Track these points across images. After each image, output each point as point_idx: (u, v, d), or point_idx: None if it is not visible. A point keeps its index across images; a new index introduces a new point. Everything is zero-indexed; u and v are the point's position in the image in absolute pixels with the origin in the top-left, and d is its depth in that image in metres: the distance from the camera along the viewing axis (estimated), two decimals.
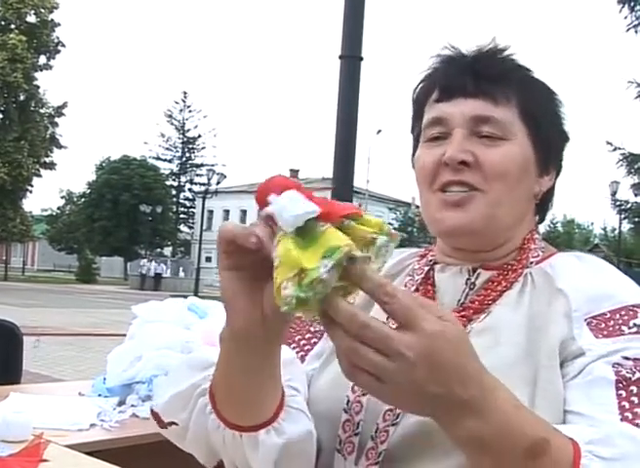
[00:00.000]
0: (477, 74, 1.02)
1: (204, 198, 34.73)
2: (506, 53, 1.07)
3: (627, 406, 0.86)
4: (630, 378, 0.88)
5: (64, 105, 39.54)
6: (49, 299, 23.22)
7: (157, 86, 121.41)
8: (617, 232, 33.48)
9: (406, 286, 1.10)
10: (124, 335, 2.70)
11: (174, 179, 58.09)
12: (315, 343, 1.10)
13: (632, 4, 18.63)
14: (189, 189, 57.94)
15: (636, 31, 18.69)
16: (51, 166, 39.26)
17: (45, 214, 58.45)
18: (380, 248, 0.73)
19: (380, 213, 47.04)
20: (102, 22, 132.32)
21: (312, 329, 1.11)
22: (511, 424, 0.74)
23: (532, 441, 0.75)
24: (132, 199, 47.29)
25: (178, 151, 58.26)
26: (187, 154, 58.48)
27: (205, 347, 1.05)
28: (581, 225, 62.94)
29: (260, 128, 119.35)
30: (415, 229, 41.49)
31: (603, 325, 0.93)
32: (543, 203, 1.11)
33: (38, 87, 38.09)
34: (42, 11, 37.29)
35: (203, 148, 58.40)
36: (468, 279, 1.05)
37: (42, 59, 38.11)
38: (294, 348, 1.09)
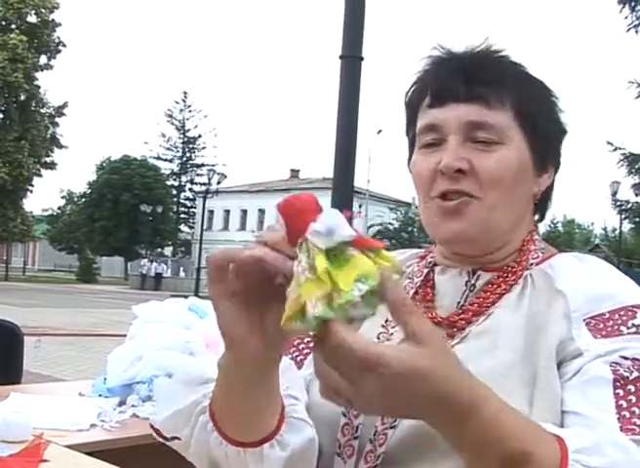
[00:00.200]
0: (469, 78, 1.01)
1: (204, 198, 34.74)
2: (499, 54, 1.06)
3: (625, 404, 0.86)
4: (628, 377, 0.88)
5: (65, 105, 39.60)
6: (49, 299, 23.24)
7: (157, 86, 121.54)
8: (617, 232, 33.46)
9: (405, 288, 1.10)
10: (124, 336, 2.70)
11: (174, 179, 58.09)
12: None
13: (633, 4, 18.64)
14: (190, 189, 57.93)
15: (637, 31, 18.70)
16: (51, 166, 39.29)
17: (46, 213, 58.46)
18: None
19: (380, 213, 47.02)
20: (103, 22, 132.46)
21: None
22: (490, 434, 0.74)
23: (511, 451, 0.75)
24: (132, 199, 47.29)
25: (178, 151, 58.29)
26: (188, 154, 58.49)
27: (198, 360, 1.04)
28: (582, 225, 62.93)
29: (261, 128, 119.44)
30: (415, 229, 41.45)
31: (602, 325, 0.93)
32: (543, 201, 1.10)
33: (39, 87, 38.13)
34: (43, 11, 37.32)
35: (203, 148, 58.44)
36: (468, 281, 1.05)
37: (43, 59, 38.19)
38: (293, 352, 1.09)
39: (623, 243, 35.49)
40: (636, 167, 19.65)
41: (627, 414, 0.85)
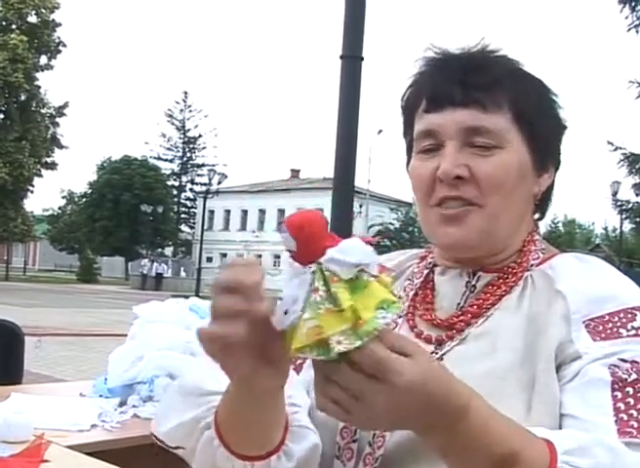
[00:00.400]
0: (465, 82, 0.99)
1: (205, 198, 34.74)
2: (495, 54, 1.04)
3: (623, 407, 0.86)
4: (626, 380, 0.88)
5: (65, 105, 39.59)
6: (50, 299, 23.23)
7: (158, 86, 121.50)
8: (618, 232, 33.43)
9: (405, 290, 1.10)
10: (125, 335, 2.70)
11: (175, 179, 58.12)
12: None
13: (633, 4, 18.61)
14: (190, 189, 57.97)
15: (637, 31, 18.67)
16: (52, 166, 39.28)
17: (46, 213, 58.44)
18: None
19: (381, 213, 47.00)
20: (103, 22, 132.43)
21: None
22: (479, 434, 0.74)
23: (502, 451, 0.75)
24: (133, 199, 47.30)
25: (178, 151, 58.32)
26: (188, 154, 58.52)
27: (197, 368, 1.04)
28: (583, 225, 62.92)
29: (262, 128, 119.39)
30: (416, 229, 41.41)
31: (601, 327, 0.92)
32: (543, 200, 1.09)
33: (39, 87, 38.13)
34: (43, 11, 37.32)
35: (204, 148, 58.46)
36: (468, 281, 1.04)
37: (43, 60, 38.19)
38: None
39: (624, 243, 35.46)
40: (637, 167, 19.62)
41: (625, 417, 0.85)
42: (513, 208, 1.01)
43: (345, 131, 5.21)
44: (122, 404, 2.33)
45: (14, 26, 36.75)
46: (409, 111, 1.07)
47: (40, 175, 38.50)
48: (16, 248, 50.75)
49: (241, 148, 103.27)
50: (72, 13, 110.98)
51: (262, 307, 0.72)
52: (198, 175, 51.69)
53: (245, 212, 55.81)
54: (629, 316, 0.93)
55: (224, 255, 56.53)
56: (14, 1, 35.98)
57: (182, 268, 42.62)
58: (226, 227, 56.83)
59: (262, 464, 0.91)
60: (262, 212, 54.51)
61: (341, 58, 5.20)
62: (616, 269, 1.02)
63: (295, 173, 58.67)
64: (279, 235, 0.71)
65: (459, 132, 0.99)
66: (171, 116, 58.15)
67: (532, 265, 1.03)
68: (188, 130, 58.19)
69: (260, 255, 52.33)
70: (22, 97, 37.07)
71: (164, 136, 58.10)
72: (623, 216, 23.55)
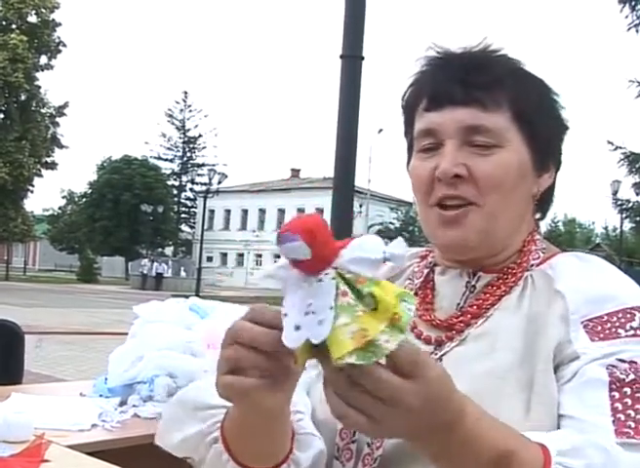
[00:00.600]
0: (466, 81, 0.99)
1: (205, 198, 34.74)
2: (496, 53, 1.04)
3: (620, 407, 0.86)
4: (624, 380, 0.87)
5: (65, 105, 39.59)
6: (50, 299, 23.23)
7: (158, 86, 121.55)
8: (618, 231, 33.43)
9: (405, 289, 1.10)
10: (126, 334, 2.69)
11: (175, 179, 58.14)
12: None
13: (633, 3, 18.60)
14: (190, 189, 58.00)
15: (637, 31, 18.66)
16: (52, 166, 39.28)
17: (46, 213, 58.46)
18: None
19: (381, 212, 47.02)
20: (103, 22, 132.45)
21: None
22: (472, 438, 0.74)
23: (494, 454, 0.75)
24: (133, 199, 47.30)
25: (179, 151, 58.35)
26: (188, 154, 58.53)
27: (193, 385, 1.04)
28: (583, 225, 62.93)
29: (262, 127, 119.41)
30: (416, 229, 41.42)
31: (599, 328, 0.92)
32: (544, 200, 1.09)
33: (39, 87, 38.13)
34: (43, 11, 37.31)
35: (204, 148, 58.48)
36: (469, 282, 1.04)
37: (43, 59, 38.18)
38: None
39: (624, 242, 35.46)
40: (637, 166, 19.62)
41: (623, 417, 0.85)
42: (512, 207, 1.01)
43: (345, 130, 5.21)
44: (122, 403, 2.33)
45: (14, 26, 36.74)
46: (409, 110, 1.07)
47: (40, 175, 38.52)
48: (16, 248, 50.77)
49: (241, 148, 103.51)
50: (72, 13, 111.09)
51: (287, 366, 0.71)
52: (198, 175, 51.75)
53: (245, 211, 55.83)
54: (628, 316, 0.92)
55: (225, 255, 56.58)
56: (14, 1, 35.97)
57: (183, 268, 42.61)
58: (227, 227, 56.86)
59: None
60: (263, 211, 54.54)
61: (342, 57, 5.20)
62: (617, 269, 1.01)
63: (295, 172, 58.70)
64: (283, 246, 0.65)
65: (458, 130, 0.99)
66: (171, 116, 58.20)
67: (532, 265, 1.03)
68: (188, 129, 58.23)
69: (259, 255, 52.37)
70: (22, 97, 37.07)
71: (164, 135, 58.19)
72: (624, 216, 23.53)
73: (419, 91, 1.05)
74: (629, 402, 0.86)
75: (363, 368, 0.65)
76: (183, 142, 58.26)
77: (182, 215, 58.79)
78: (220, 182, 37.02)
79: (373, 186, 44.33)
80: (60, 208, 57.83)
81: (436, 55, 1.05)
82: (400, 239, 0.69)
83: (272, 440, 0.91)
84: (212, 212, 52.89)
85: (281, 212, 52.40)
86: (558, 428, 0.88)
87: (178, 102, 58.23)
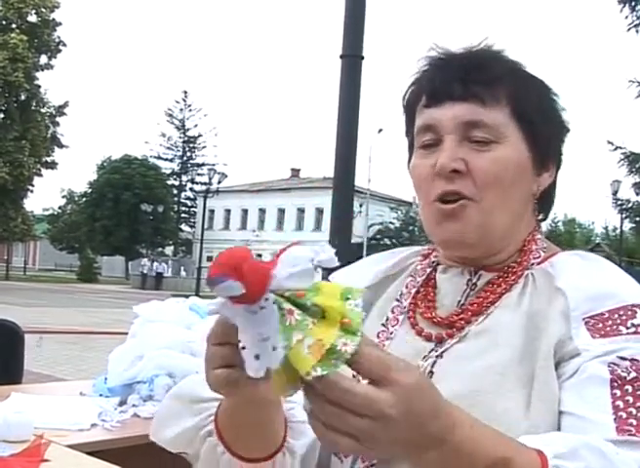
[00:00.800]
0: (465, 77, 1.00)
1: (205, 197, 34.76)
2: (496, 53, 1.05)
3: (621, 405, 0.86)
4: (626, 377, 0.87)
5: (65, 105, 39.58)
6: (50, 299, 23.24)
7: (158, 85, 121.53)
8: (618, 231, 33.44)
9: (407, 286, 1.10)
10: (126, 333, 2.70)
11: (175, 179, 58.10)
12: None
13: (633, 4, 18.59)
14: (190, 188, 57.96)
15: (637, 31, 18.65)
16: (52, 165, 39.29)
17: (46, 213, 58.39)
18: None
19: (381, 212, 47.01)
20: (103, 22, 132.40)
21: None
22: (466, 448, 0.73)
23: (490, 462, 0.74)
24: (133, 198, 47.28)
25: (178, 150, 58.29)
26: (188, 153, 58.49)
27: (188, 378, 1.04)
28: (583, 224, 62.85)
29: (262, 127, 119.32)
30: (416, 229, 41.43)
31: (601, 325, 0.92)
32: (545, 200, 1.09)
33: (39, 86, 38.12)
34: (43, 10, 37.30)
35: (204, 147, 58.42)
36: (470, 279, 1.04)
37: (43, 59, 38.16)
38: None
39: (624, 242, 35.43)
40: (637, 166, 19.61)
41: (624, 415, 0.85)
42: (510, 203, 1.01)
43: (345, 130, 5.22)
44: (122, 403, 2.33)
45: (14, 26, 36.73)
46: (410, 109, 1.08)
47: (40, 175, 38.52)
48: (16, 247, 50.77)
49: (241, 148, 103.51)
50: (72, 12, 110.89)
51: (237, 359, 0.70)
52: (198, 175, 51.78)
53: (245, 211, 55.80)
54: (629, 313, 0.92)
55: None
56: (14, 0, 35.97)
57: (183, 267, 42.64)
58: (227, 226, 56.82)
59: (268, 464, 0.93)
60: (263, 211, 54.51)
61: (342, 57, 5.21)
62: (617, 267, 1.01)
63: (295, 172, 58.67)
64: (216, 288, 0.65)
65: (457, 126, 1.00)
66: (171, 115, 58.15)
67: (533, 264, 1.03)
68: (188, 129, 58.19)
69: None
70: (22, 97, 37.07)
71: (164, 135, 58.12)
72: (624, 216, 23.53)
73: (419, 89, 1.06)
74: (631, 400, 0.86)
75: (330, 380, 0.64)
76: (183, 142, 58.24)
77: (182, 215, 58.76)
78: (219, 182, 37.04)
79: (373, 186, 44.30)
80: (60, 207, 57.77)
81: (437, 55, 1.06)
82: (324, 243, 0.69)
83: (266, 429, 0.91)
84: (212, 211, 52.84)
85: (281, 211, 52.42)
86: (558, 425, 0.88)
87: (177, 102, 58.26)
